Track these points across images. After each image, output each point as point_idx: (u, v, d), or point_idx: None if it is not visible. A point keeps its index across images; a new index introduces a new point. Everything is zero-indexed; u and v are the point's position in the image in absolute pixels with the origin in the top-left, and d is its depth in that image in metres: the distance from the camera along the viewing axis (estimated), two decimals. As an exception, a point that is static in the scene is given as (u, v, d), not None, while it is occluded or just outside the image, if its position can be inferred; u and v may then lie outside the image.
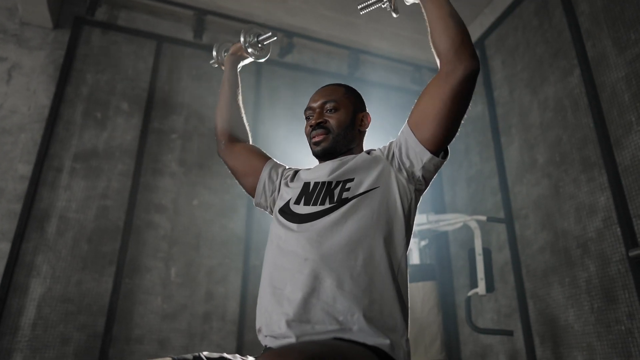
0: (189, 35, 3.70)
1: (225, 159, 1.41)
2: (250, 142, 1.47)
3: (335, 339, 0.93)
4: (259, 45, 1.56)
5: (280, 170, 1.32)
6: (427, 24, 1.13)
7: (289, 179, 1.27)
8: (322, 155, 1.23)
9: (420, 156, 1.08)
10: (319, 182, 1.16)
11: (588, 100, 2.74)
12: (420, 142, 1.07)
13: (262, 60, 1.61)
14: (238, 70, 1.56)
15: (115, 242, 3.01)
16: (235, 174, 1.39)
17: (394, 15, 1.27)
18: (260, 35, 1.55)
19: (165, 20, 3.72)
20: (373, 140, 1.39)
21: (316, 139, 1.22)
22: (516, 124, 3.35)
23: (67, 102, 3.23)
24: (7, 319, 2.65)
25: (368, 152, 1.21)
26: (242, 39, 1.52)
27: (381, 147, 1.21)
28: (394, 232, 1.07)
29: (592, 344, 2.51)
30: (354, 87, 1.34)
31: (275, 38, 1.54)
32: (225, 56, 1.63)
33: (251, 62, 1.61)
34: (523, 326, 2.94)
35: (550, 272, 2.85)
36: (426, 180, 1.12)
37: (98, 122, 3.27)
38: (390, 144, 1.18)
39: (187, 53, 3.70)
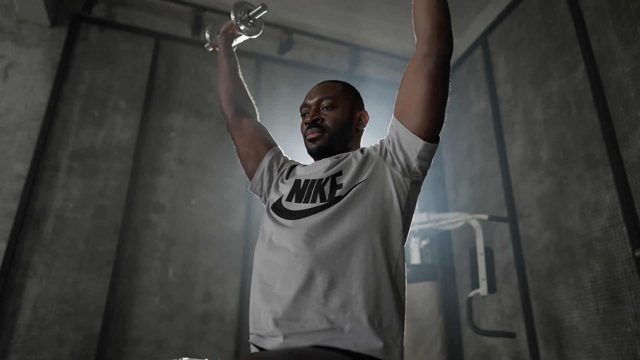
0: (187, 32, 3.66)
1: (233, 135, 1.37)
2: (258, 118, 1.43)
3: (316, 346, 0.88)
4: (251, 20, 1.53)
5: (281, 161, 1.30)
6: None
7: (284, 174, 1.25)
8: (317, 154, 1.20)
9: (414, 146, 1.06)
10: (309, 180, 1.14)
11: (593, 96, 2.68)
12: (412, 130, 1.06)
13: (255, 36, 1.58)
14: (233, 48, 1.53)
15: (113, 241, 2.97)
16: (238, 153, 1.35)
17: None
18: (250, 10, 1.52)
19: (164, 17, 3.68)
20: (374, 138, 1.34)
21: (311, 136, 1.19)
22: (520, 121, 3.29)
23: (64, 100, 3.19)
24: (2, 320, 2.62)
25: (362, 151, 1.18)
26: (232, 17, 1.49)
27: (373, 145, 1.19)
28: (390, 228, 1.04)
29: (597, 346, 2.46)
30: (354, 84, 1.31)
31: (266, 11, 1.51)
32: (218, 37, 1.60)
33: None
34: (527, 327, 2.89)
35: (555, 272, 2.79)
36: (423, 170, 1.09)
37: (96, 120, 3.24)
38: (382, 141, 1.16)
39: (186, 50, 3.66)
